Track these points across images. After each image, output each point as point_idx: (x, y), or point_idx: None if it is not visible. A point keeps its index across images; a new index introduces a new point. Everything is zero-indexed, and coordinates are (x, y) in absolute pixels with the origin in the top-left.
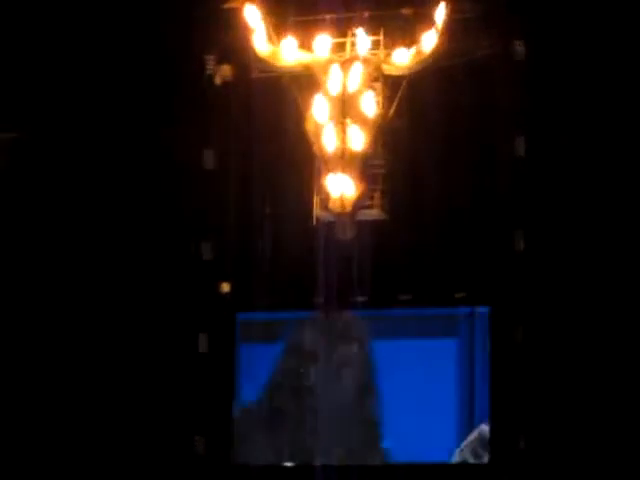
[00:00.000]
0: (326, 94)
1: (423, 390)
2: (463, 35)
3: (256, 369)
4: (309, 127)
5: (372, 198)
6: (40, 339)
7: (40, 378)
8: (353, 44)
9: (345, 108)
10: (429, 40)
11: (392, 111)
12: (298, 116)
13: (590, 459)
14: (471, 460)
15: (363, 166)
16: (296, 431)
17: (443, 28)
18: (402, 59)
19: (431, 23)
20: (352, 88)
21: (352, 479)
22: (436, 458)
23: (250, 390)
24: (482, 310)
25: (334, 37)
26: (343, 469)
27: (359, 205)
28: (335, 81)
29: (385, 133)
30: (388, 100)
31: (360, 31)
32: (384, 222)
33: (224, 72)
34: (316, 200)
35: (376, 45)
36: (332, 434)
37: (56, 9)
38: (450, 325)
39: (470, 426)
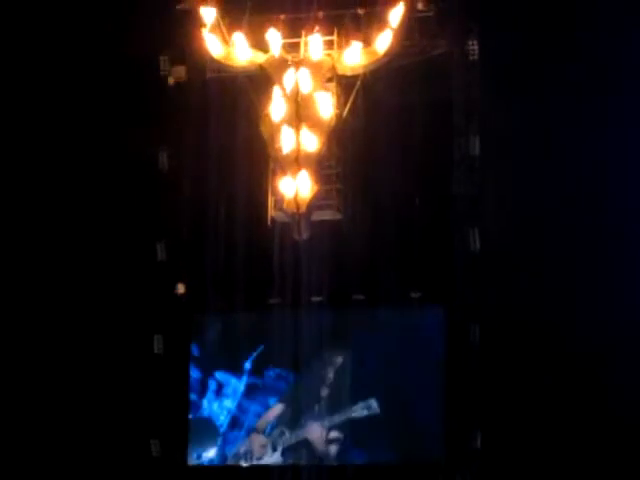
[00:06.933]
0: (280, 95)
1: None
2: (417, 34)
3: None
4: (264, 128)
5: (327, 198)
6: None
7: None
8: (307, 44)
9: (299, 109)
10: (383, 40)
11: (346, 111)
12: (253, 117)
13: (545, 456)
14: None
15: (318, 166)
16: None
17: (398, 28)
18: (356, 59)
19: (385, 23)
20: (306, 89)
21: (307, 479)
22: None
23: None
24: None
25: (288, 37)
26: (297, 469)
27: (314, 205)
28: (289, 82)
29: (339, 133)
30: (342, 100)
31: (314, 33)
32: (339, 222)
33: (178, 73)
34: (271, 201)
35: (330, 45)
36: None
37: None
38: None
39: None
